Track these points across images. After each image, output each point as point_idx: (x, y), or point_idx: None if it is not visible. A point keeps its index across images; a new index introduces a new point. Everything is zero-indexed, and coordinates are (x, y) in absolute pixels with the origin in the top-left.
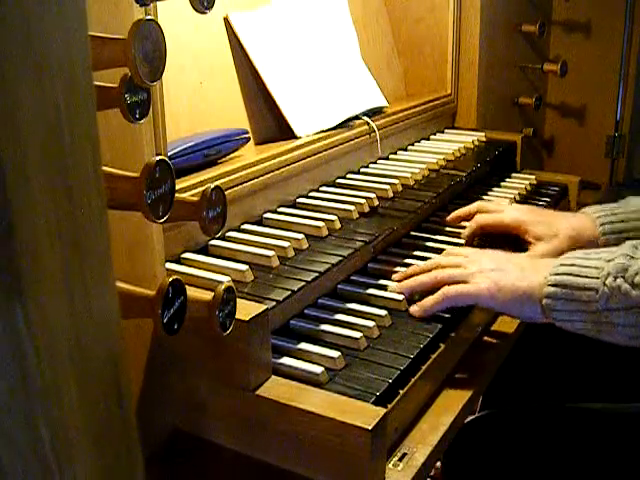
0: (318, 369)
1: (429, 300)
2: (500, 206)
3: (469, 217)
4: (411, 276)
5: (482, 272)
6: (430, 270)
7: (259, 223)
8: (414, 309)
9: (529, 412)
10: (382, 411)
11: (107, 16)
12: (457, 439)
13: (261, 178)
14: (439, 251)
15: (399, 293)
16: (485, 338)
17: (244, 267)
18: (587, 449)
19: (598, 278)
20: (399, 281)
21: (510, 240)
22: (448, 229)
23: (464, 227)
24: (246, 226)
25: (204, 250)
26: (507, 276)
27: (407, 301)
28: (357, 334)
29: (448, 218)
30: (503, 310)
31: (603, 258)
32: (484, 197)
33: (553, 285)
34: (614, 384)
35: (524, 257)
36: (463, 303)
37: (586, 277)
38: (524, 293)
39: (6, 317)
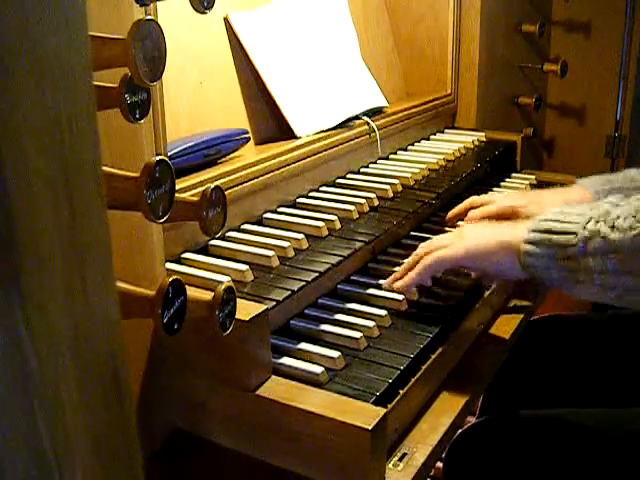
0: (318, 369)
1: (411, 273)
2: (492, 197)
3: (464, 213)
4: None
5: (462, 237)
6: None
7: (259, 223)
8: (397, 284)
9: (528, 418)
10: (382, 411)
11: (107, 16)
12: (457, 446)
13: (261, 178)
14: None
15: (395, 292)
16: (485, 339)
17: (244, 267)
18: (587, 454)
19: (579, 223)
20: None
21: None
22: (448, 229)
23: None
24: (246, 226)
25: (204, 250)
26: (485, 233)
27: (407, 302)
28: (357, 334)
29: (446, 218)
30: (480, 267)
31: (587, 207)
32: None
33: (533, 231)
34: (613, 389)
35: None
36: (443, 268)
37: (568, 222)
38: (501, 244)
39: (6, 318)
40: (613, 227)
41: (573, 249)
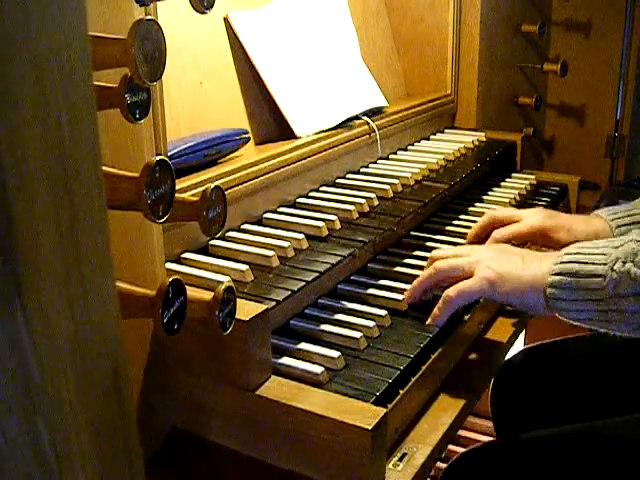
0: (318, 369)
1: (435, 310)
2: (511, 211)
3: (485, 231)
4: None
5: (482, 261)
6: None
7: (259, 223)
8: (429, 322)
9: (532, 440)
10: (382, 411)
11: (107, 16)
12: (465, 468)
13: (261, 178)
14: None
15: (410, 303)
16: (485, 338)
17: (244, 267)
18: (592, 468)
19: (605, 264)
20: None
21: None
22: (449, 229)
23: (469, 227)
24: (246, 226)
25: (204, 250)
26: (508, 265)
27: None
28: (357, 334)
29: (468, 239)
30: (505, 300)
31: (610, 245)
32: (484, 197)
33: (558, 274)
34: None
35: (526, 249)
36: (467, 301)
37: (593, 264)
38: (527, 282)
39: (6, 318)
40: None
41: (603, 292)
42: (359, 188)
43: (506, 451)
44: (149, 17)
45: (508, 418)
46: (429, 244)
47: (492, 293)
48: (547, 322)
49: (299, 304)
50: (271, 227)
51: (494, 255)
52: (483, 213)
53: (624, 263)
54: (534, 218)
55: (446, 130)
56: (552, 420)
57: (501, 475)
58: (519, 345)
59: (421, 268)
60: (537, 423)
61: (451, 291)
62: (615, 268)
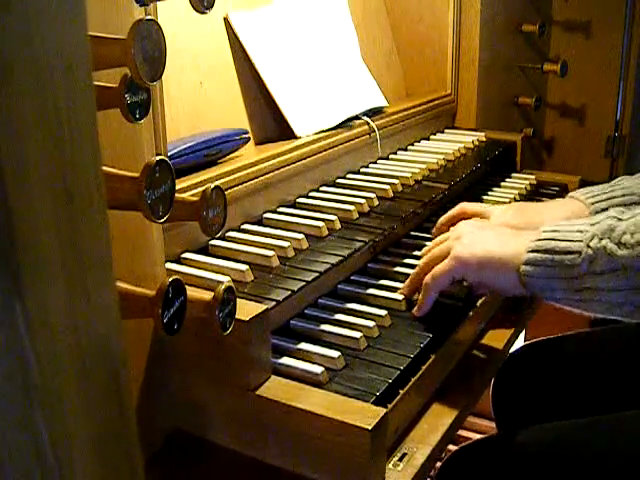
0: (318, 369)
1: (420, 298)
2: (482, 207)
3: (453, 221)
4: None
5: (459, 238)
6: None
7: (259, 223)
8: (415, 311)
9: (538, 433)
10: (382, 411)
11: (107, 16)
12: (462, 463)
13: (261, 178)
14: None
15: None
16: (484, 339)
17: (244, 267)
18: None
19: (581, 241)
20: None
21: None
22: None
23: None
24: (246, 226)
25: (204, 250)
26: (483, 242)
27: (407, 302)
28: (357, 334)
29: (435, 227)
30: (478, 279)
31: (588, 222)
32: (484, 197)
33: (533, 251)
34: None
35: (505, 227)
36: (445, 284)
37: (569, 241)
38: (500, 259)
39: (6, 317)
40: (619, 243)
41: (577, 269)
42: (359, 188)
43: (503, 446)
44: (149, 17)
45: (509, 413)
46: (429, 244)
47: (465, 271)
48: (547, 320)
49: (299, 304)
50: (271, 227)
51: (471, 231)
52: None
53: (600, 239)
54: (501, 217)
55: (446, 130)
56: (553, 415)
57: (498, 470)
58: (520, 341)
59: None
60: (538, 418)
61: (427, 278)
62: (591, 245)
